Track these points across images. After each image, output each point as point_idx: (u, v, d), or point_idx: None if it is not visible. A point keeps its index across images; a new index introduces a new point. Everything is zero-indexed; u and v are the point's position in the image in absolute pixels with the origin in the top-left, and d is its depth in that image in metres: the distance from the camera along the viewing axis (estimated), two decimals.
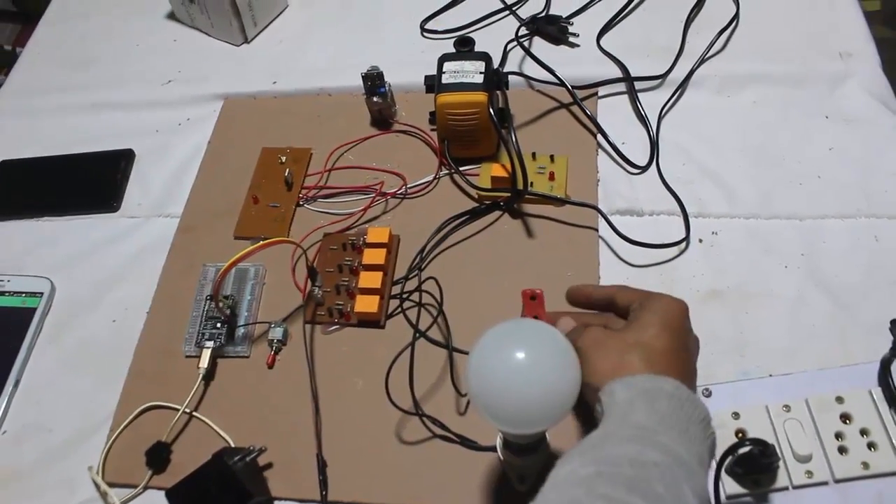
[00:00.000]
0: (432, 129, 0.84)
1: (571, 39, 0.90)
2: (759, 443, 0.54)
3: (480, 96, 0.74)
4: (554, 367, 0.48)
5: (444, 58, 0.78)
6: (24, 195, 0.90)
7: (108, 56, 1.02)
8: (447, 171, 0.81)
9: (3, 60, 2.09)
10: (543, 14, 0.93)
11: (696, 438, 0.47)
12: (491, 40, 0.87)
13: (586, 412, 0.58)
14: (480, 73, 0.76)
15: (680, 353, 0.52)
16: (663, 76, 0.85)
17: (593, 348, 0.52)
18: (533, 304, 0.60)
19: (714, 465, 0.57)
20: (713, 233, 0.74)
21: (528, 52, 0.87)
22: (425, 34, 0.95)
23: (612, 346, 0.52)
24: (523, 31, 0.91)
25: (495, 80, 0.78)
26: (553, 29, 0.90)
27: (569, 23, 0.91)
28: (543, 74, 0.85)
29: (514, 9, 0.95)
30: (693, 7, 0.91)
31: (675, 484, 0.42)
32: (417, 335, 0.70)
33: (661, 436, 0.45)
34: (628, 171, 0.80)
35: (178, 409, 0.69)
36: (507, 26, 0.93)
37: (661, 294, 0.55)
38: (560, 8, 0.94)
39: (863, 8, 0.90)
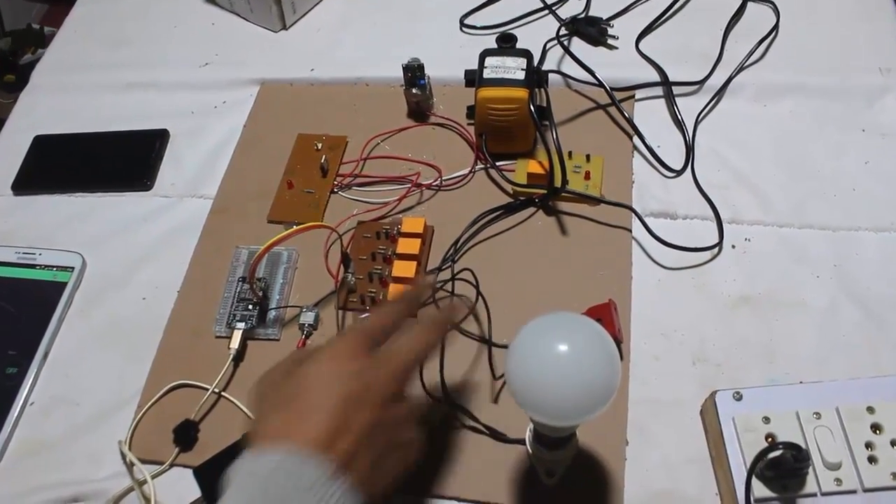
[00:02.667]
0: (469, 124, 0.84)
1: (610, 42, 0.91)
2: (792, 447, 0.54)
3: (521, 92, 0.75)
4: (596, 362, 0.48)
5: (486, 53, 0.78)
6: (57, 170, 0.90)
7: (145, 37, 1.03)
8: (483, 166, 0.82)
9: (32, 39, 2.11)
10: (583, 15, 0.93)
11: None
12: (529, 39, 0.87)
13: None
14: (522, 69, 0.76)
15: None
16: (701, 82, 0.85)
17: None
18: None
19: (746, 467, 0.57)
20: (746, 239, 0.75)
21: (568, 51, 0.88)
22: (464, 29, 0.95)
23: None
24: (563, 31, 0.91)
25: (536, 77, 0.78)
26: (593, 30, 0.90)
27: (609, 24, 0.92)
28: (582, 74, 0.85)
29: (553, 8, 0.95)
30: (733, 15, 0.91)
31: None
32: (450, 326, 0.70)
33: None
34: (663, 175, 0.80)
35: (206, 389, 0.69)
36: (546, 25, 0.94)
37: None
38: (599, 9, 0.94)
39: None
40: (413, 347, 0.54)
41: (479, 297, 0.72)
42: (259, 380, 0.53)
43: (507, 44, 0.79)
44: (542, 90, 0.80)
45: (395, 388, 0.51)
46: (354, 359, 0.50)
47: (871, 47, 0.87)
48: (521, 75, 0.76)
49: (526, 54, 0.78)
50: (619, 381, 0.49)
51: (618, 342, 0.67)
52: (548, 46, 0.90)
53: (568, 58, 0.88)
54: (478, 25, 0.95)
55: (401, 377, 0.52)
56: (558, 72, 0.87)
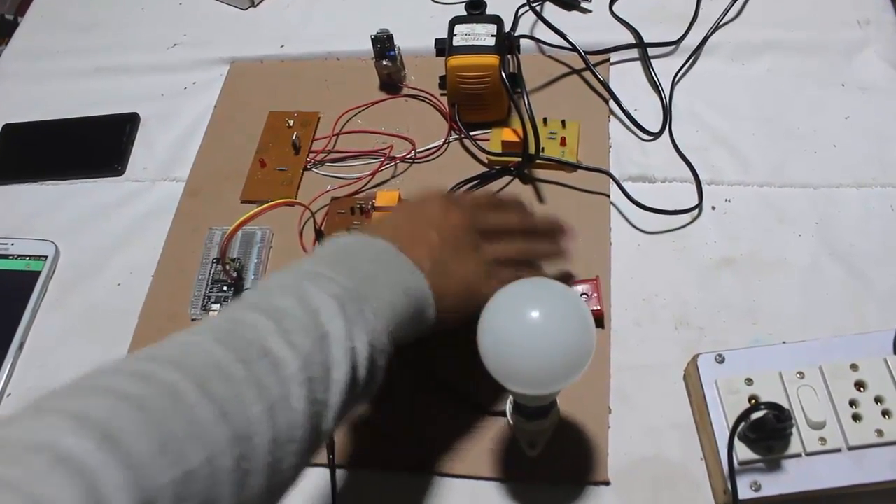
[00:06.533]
0: (442, 94, 0.83)
1: (584, 5, 0.89)
2: (774, 407, 0.53)
3: (492, 59, 0.73)
4: (567, 327, 0.48)
5: (455, 20, 0.77)
6: (28, 159, 0.89)
7: (112, 20, 1.01)
8: (457, 136, 0.80)
9: (5, 30, 2.07)
10: None
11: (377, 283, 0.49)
12: (501, 5, 0.85)
13: None
14: (492, 35, 0.75)
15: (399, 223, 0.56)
16: (677, 42, 0.84)
17: None
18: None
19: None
20: (726, 200, 0.73)
21: (540, 16, 0.86)
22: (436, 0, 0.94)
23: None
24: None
25: (507, 43, 0.77)
26: None
27: None
28: (555, 39, 0.83)
29: None
30: None
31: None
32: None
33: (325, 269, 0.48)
34: (641, 138, 0.78)
35: None
36: None
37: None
38: None
39: None
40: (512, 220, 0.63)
41: None
42: None
43: (476, 10, 0.77)
44: (514, 57, 0.79)
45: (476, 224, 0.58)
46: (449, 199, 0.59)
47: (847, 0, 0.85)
48: (491, 42, 0.74)
49: (496, 20, 0.76)
50: (593, 345, 0.48)
51: (599, 318, 0.66)
52: (520, 13, 0.88)
53: (541, 23, 0.86)
54: None
55: (483, 222, 0.59)
56: (530, 37, 0.85)
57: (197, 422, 0.37)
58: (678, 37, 0.84)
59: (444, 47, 0.76)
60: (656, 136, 0.78)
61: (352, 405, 0.46)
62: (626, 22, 0.86)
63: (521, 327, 0.47)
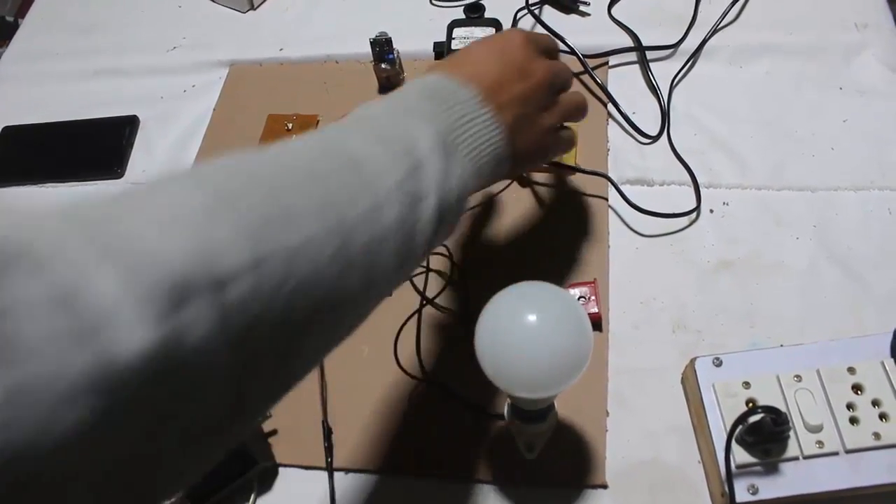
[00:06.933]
0: None
1: (582, 8, 0.89)
2: (771, 410, 0.54)
3: None
4: (564, 330, 0.48)
5: (454, 24, 0.77)
6: (27, 161, 0.89)
7: (112, 22, 1.01)
8: None
9: (5, 32, 2.08)
10: None
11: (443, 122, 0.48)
12: (500, 8, 0.85)
13: None
14: None
15: (475, 57, 0.54)
16: (675, 46, 0.84)
17: None
18: None
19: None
20: (724, 203, 0.73)
21: (538, 19, 0.86)
22: (434, 2, 0.94)
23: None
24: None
25: None
26: None
27: None
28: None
29: None
30: None
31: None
32: (424, 302, 0.69)
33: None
34: (639, 141, 0.79)
35: None
36: None
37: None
38: None
39: None
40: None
41: (455, 271, 0.71)
42: None
43: (475, 13, 0.78)
44: None
45: (555, 83, 0.57)
46: (532, 47, 0.56)
47: (845, 3, 0.85)
48: None
49: (495, 23, 0.77)
50: (590, 348, 0.48)
51: (597, 321, 0.66)
52: (518, 16, 0.88)
53: (539, 26, 0.86)
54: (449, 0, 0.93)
55: (562, 78, 0.59)
56: None
57: (300, 204, 0.37)
58: (676, 40, 0.84)
59: (442, 51, 0.76)
60: (654, 139, 0.78)
61: (436, 239, 0.46)
62: (624, 25, 0.86)
63: (517, 330, 0.47)
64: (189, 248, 0.30)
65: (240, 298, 0.30)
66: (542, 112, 0.56)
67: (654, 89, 0.82)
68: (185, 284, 0.28)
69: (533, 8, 0.88)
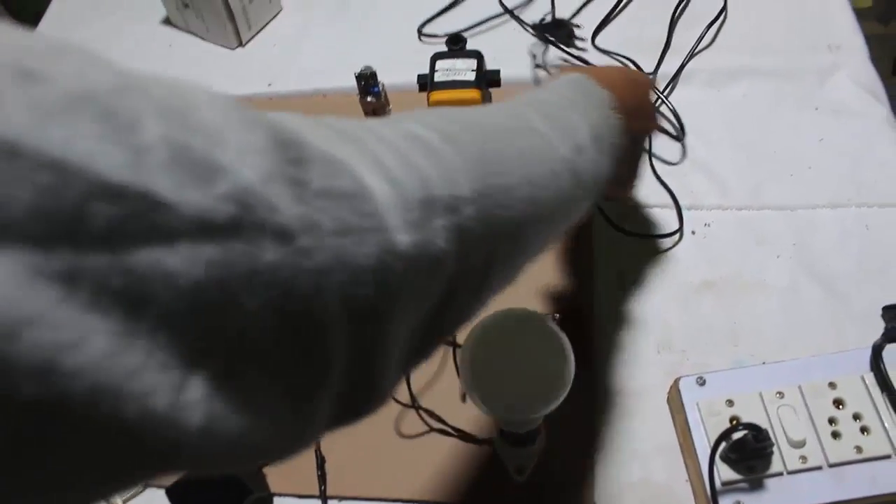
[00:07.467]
0: None
1: (578, 44, 0.89)
2: (752, 427, 0.55)
3: (473, 93, 0.75)
4: (546, 354, 0.49)
5: (437, 56, 0.79)
6: None
7: None
8: None
9: None
10: (550, 20, 0.90)
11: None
12: (490, 43, 0.87)
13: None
14: (472, 70, 0.77)
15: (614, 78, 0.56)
16: (654, 72, 0.86)
17: None
18: None
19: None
20: (706, 224, 0.75)
21: (543, 67, 0.87)
22: (423, 38, 0.95)
23: None
24: (536, 41, 0.90)
25: (488, 77, 0.78)
26: (562, 34, 0.88)
27: (577, 26, 0.90)
28: (537, 72, 0.85)
29: (513, 11, 0.92)
30: (679, 2, 0.91)
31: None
32: None
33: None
34: None
35: None
36: (508, 29, 0.92)
37: None
38: (559, 9, 0.92)
39: (853, 5, 0.91)
40: None
41: None
42: None
43: (456, 45, 0.80)
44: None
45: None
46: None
47: (818, 25, 0.88)
48: (471, 76, 0.76)
49: (476, 55, 0.78)
50: (572, 372, 0.49)
51: (588, 345, 0.68)
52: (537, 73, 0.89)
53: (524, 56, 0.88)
54: (438, 34, 0.94)
55: None
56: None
57: (506, 152, 0.40)
58: (654, 66, 0.86)
59: (425, 82, 0.78)
60: None
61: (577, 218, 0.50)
62: (608, 52, 0.88)
63: (501, 356, 0.49)
64: (434, 175, 0.33)
65: (466, 221, 0.34)
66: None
67: None
68: (433, 202, 0.33)
69: (535, 53, 0.89)
